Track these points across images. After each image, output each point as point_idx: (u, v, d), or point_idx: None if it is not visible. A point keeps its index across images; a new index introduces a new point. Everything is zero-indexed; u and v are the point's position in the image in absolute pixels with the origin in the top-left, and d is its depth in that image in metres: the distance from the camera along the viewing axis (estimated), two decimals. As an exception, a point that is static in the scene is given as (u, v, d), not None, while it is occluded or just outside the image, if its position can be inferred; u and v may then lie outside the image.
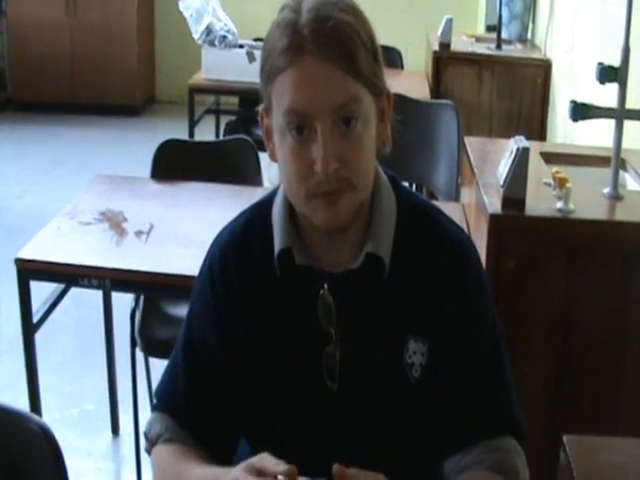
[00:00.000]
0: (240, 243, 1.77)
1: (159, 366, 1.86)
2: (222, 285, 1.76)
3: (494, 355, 1.75)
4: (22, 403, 3.11)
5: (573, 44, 5.24)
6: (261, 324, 1.75)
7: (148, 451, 1.83)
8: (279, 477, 1.43)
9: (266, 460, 1.50)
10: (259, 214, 1.79)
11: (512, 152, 2.79)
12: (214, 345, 1.77)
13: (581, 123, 2.92)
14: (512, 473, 1.69)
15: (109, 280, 2.94)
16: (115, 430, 3.99)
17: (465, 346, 1.71)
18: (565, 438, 1.70)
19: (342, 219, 1.63)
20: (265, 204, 1.78)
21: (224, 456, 1.74)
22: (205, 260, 1.83)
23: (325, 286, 1.69)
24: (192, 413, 1.77)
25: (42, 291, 3.24)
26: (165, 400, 1.82)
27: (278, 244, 1.70)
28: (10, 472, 1.86)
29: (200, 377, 1.78)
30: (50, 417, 3.71)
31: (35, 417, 1.89)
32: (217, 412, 1.77)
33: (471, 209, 3.22)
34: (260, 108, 1.67)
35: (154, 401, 1.86)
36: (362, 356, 1.71)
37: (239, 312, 1.75)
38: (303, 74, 1.55)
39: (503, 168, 2.83)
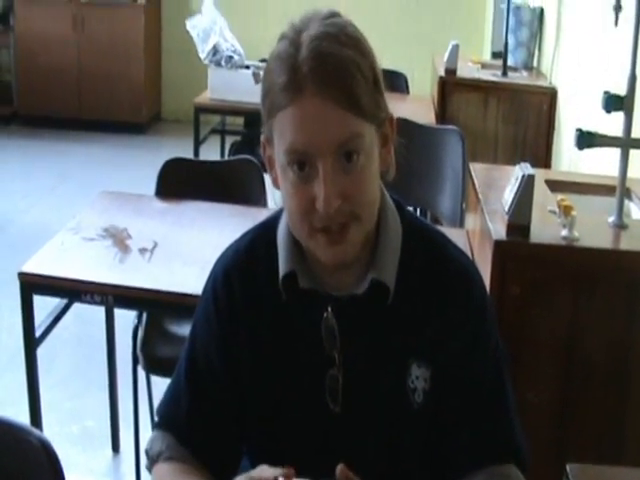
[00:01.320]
0: (244, 263, 1.77)
1: (161, 384, 1.86)
2: (226, 304, 1.76)
3: (497, 382, 1.74)
4: (23, 419, 3.05)
5: (579, 72, 5.26)
6: (265, 345, 1.74)
7: (149, 469, 1.82)
8: (279, 479, 1.44)
9: (265, 471, 1.50)
10: (264, 235, 1.78)
11: (517, 179, 2.79)
12: (217, 364, 1.76)
13: (587, 151, 2.93)
14: None
15: (112, 296, 2.94)
16: (115, 447, 3.98)
17: (468, 372, 1.71)
18: (568, 467, 1.70)
19: (348, 256, 1.63)
20: (270, 225, 1.78)
21: (226, 475, 1.73)
22: (209, 279, 1.82)
23: (329, 309, 1.69)
24: (194, 432, 1.77)
25: (46, 306, 3.25)
26: (167, 418, 1.82)
27: (282, 268, 1.70)
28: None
29: (203, 396, 1.77)
30: (50, 433, 3.66)
31: (35, 431, 1.90)
32: (219, 431, 1.77)
33: (475, 235, 3.23)
34: (262, 138, 1.67)
35: (155, 419, 1.86)
36: (365, 380, 1.71)
37: (242, 332, 1.75)
38: (303, 113, 1.54)
39: (508, 195, 2.84)
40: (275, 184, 1.68)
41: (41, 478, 1.87)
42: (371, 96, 1.58)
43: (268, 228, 1.78)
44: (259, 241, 1.79)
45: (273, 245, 1.74)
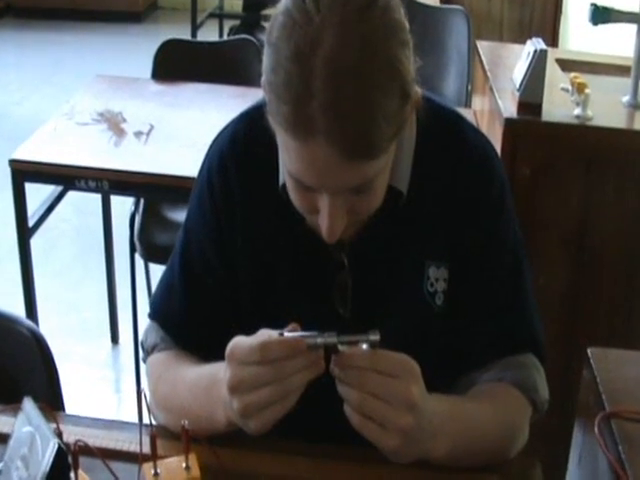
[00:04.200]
0: (241, 151, 1.60)
1: (159, 273, 1.77)
2: (221, 194, 1.61)
3: (515, 272, 1.64)
4: (20, 311, 3.07)
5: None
6: (264, 244, 1.61)
7: (144, 360, 1.73)
8: (285, 334, 1.33)
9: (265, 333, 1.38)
10: (262, 117, 1.46)
11: (529, 54, 2.72)
12: (212, 259, 1.63)
13: (595, 34, 2.84)
14: (531, 390, 1.61)
15: (107, 182, 2.89)
16: (114, 338, 3.98)
17: (486, 264, 1.60)
18: (590, 351, 1.63)
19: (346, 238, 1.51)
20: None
21: None
22: (203, 163, 1.66)
23: None
24: (187, 330, 1.66)
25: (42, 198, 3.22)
26: (160, 313, 1.71)
27: (282, 176, 1.52)
28: (1, 377, 1.84)
29: (197, 291, 1.65)
30: (48, 325, 3.65)
31: (26, 321, 1.88)
32: (213, 328, 1.63)
33: (483, 116, 3.15)
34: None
35: (149, 310, 1.74)
36: (376, 284, 1.60)
37: (239, 227, 1.61)
38: (311, 157, 1.29)
39: (519, 72, 2.77)
40: None
41: (33, 368, 1.83)
42: (395, 119, 1.30)
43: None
44: (257, 125, 1.51)
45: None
